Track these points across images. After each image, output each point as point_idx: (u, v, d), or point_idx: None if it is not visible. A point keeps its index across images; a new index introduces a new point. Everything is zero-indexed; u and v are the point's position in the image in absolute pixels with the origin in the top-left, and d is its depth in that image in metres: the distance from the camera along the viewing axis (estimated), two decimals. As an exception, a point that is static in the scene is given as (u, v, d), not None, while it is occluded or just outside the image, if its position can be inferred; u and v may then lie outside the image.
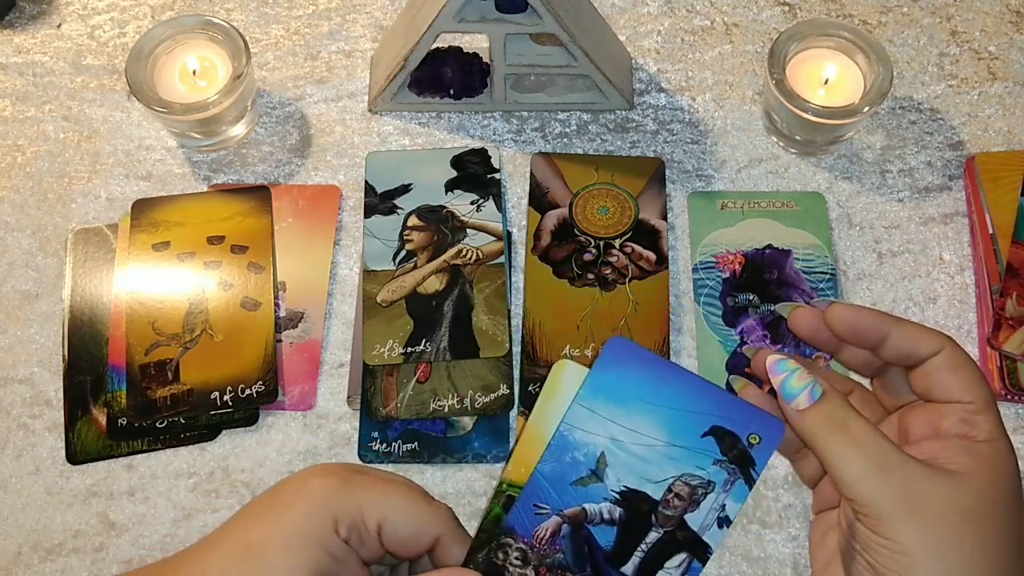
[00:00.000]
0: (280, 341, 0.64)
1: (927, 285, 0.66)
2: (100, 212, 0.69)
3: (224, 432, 0.62)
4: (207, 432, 0.61)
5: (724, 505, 0.41)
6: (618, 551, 0.42)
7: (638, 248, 0.66)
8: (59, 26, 0.76)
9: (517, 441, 0.43)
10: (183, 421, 0.61)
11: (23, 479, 0.61)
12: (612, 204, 0.68)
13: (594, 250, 0.66)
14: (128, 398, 0.61)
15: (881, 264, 0.66)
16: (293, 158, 0.70)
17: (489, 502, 0.43)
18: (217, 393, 0.61)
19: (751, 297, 0.65)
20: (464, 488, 0.60)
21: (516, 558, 0.42)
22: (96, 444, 0.61)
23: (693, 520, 0.41)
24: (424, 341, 0.62)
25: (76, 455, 0.61)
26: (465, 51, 0.71)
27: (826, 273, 0.65)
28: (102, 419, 0.62)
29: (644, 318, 0.64)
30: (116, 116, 0.72)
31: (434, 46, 0.67)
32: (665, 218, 0.67)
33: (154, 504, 0.60)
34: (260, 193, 0.68)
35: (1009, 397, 0.61)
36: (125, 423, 0.61)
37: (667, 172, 0.69)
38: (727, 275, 0.65)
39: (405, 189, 0.68)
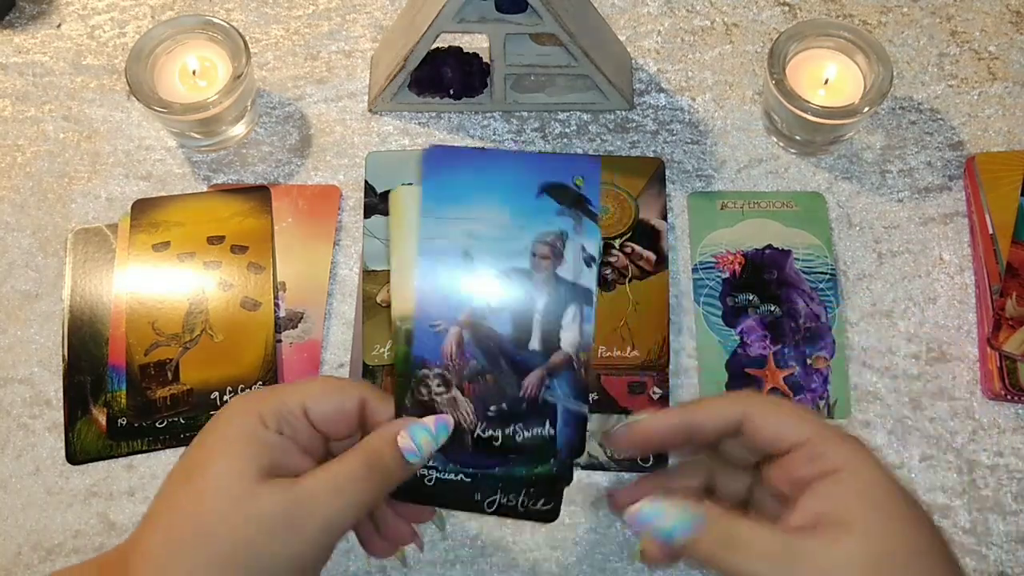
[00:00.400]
0: (280, 341, 0.64)
1: (927, 285, 0.66)
2: (100, 212, 0.69)
3: (224, 432, 0.62)
4: (207, 432, 0.61)
5: (583, 246, 0.44)
6: (517, 332, 0.44)
7: (638, 248, 0.66)
8: (59, 26, 0.76)
9: (390, 278, 0.45)
10: (183, 421, 0.61)
11: (23, 479, 0.61)
12: (612, 204, 0.68)
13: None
14: (128, 398, 0.61)
15: (881, 264, 0.66)
16: (293, 158, 0.70)
17: (392, 347, 0.44)
18: (217, 393, 0.61)
19: (751, 297, 0.65)
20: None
21: (438, 385, 0.44)
22: (96, 444, 0.61)
23: (565, 272, 0.44)
24: (424, 341, 0.62)
25: (76, 455, 0.61)
26: (465, 51, 0.71)
27: (826, 273, 0.65)
28: (102, 419, 0.62)
29: (644, 318, 0.64)
30: (116, 116, 0.72)
31: (434, 46, 0.67)
32: (665, 218, 0.67)
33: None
34: (260, 193, 0.68)
35: (1009, 397, 0.61)
36: (125, 423, 0.61)
37: (667, 172, 0.69)
38: (727, 275, 0.65)
39: (405, 189, 0.68)
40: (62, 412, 0.62)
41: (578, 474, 0.60)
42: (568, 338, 0.44)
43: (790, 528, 0.40)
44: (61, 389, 0.63)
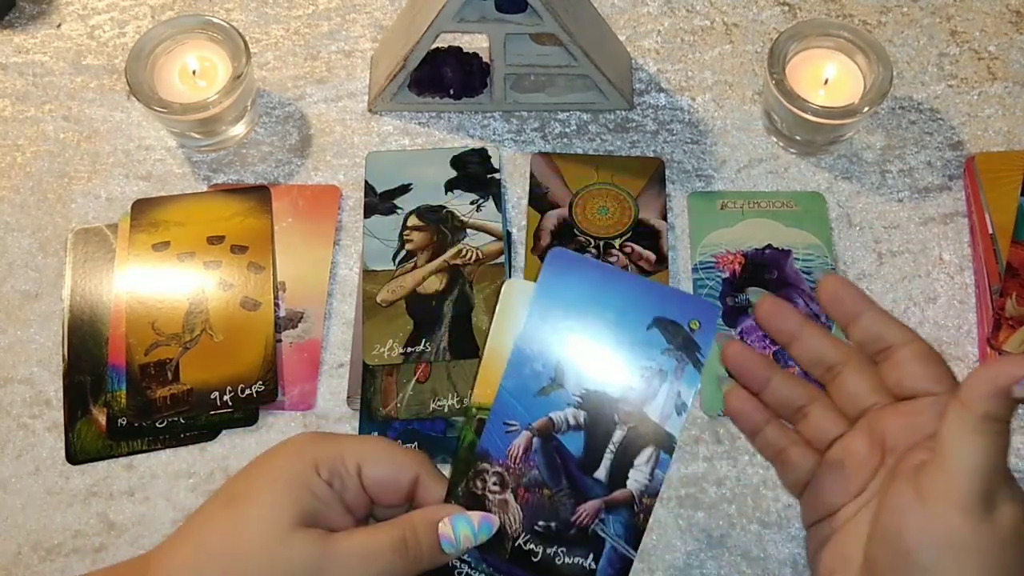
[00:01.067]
0: (280, 341, 0.64)
1: (927, 285, 0.66)
2: (100, 212, 0.69)
3: (224, 432, 0.62)
4: (207, 432, 0.61)
5: (679, 392, 0.43)
6: (588, 456, 0.43)
7: (638, 248, 0.66)
8: (59, 26, 0.76)
9: (479, 365, 0.45)
10: (183, 421, 0.61)
11: (23, 479, 0.61)
12: (612, 204, 0.68)
13: (594, 250, 0.66)
14: (128, 398, 0.61)
15: (881, 264, 0.66)
16: (293, 158, 0.70)
17: (460, 431, 0.44)
18: (217, 393, 0.61)
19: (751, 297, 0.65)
20: None
21: (494, 483, 0.43)
22: (96, 444, 0.61)
23: (653, 411, 0.43)
24: (424, 341, 0.62)
25: (76, 455, 0.61)
26: (465, 51, 0.71)
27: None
28: (102, 419, 0.62)
29: (644, 318, 0.64)
30: (116, 116, 0.72)
31: (434, 46, 0.67)
32: (665, 218, 0.67)
33: (154, 504, 0.60)
34: (260, 193, 0.68)
35: (1009, 397, 0.61)
36: (125, 423, 0.61)
37: (667, 172, 0.69)
38: (727, 275, 0.65)
39: (405, 189, 0.68)
40: (62, 412, 0.62)
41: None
42: (636, 479, 0.43)
43: None
44: (61, 389, 0.63)
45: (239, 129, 0.70)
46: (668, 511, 0.59)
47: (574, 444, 0.43)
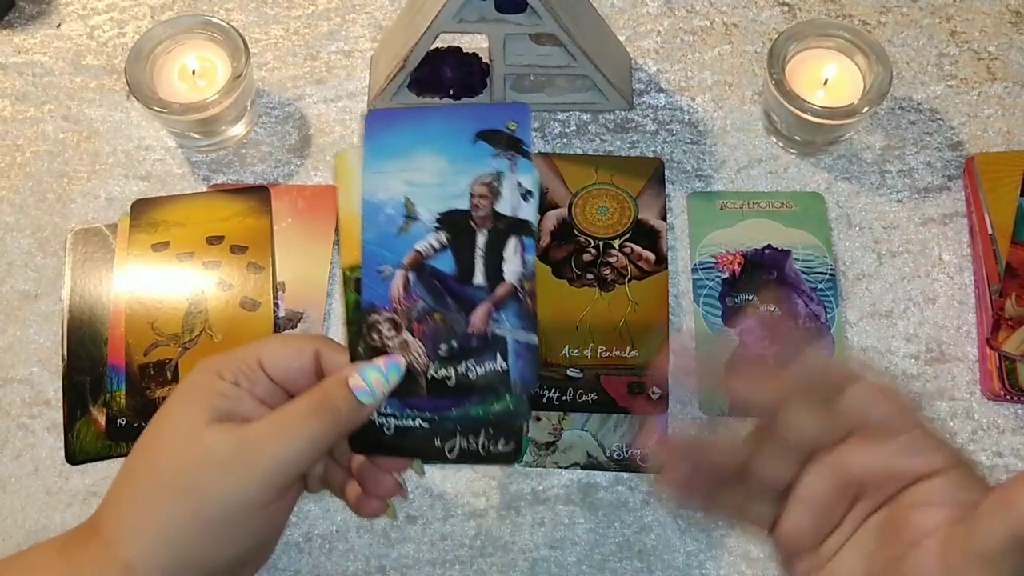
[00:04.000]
0: (279, 341, 0.64)
1: (927, 285, 0.66)
2: (99, 212, 0.68)
3: (223, 432, 0.62)
4: (206, 432, 0.61)
5: (519, 182, 0.46)
6: (461, 268, 0.45)
7: (637, 248, 0.66)
8: (59, 26, 0.76)
9: (337, 234, 0.47)
10: (182, 421, 0.61)
11: (23, 479, 0.61)
12: (611, 204, 0.68)
13: (593, 250, 0.66)
14: (127, 398, 0.61)
15: (880, 264, 0.66)
16: (293, 158, 0.70)
17: (342, 297, 0.46)
18: (216, 393, 0.61)
19: (750, 297, 0.65)
20: (464, 488, 0.60)
21: (388, 329, 0.45)
22: (95, 444, 0.61)
23: (503, 207, 0.46)
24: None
25: (75, 455, 0.61)
26: (465, 51, 0.71)
27: (825, 273, 0.65)
28: (101, 419, 0.62)
29: (643, 318, 0.64)
30: (116, 116, 0.72)
31: (434, 46, 0.67)
32: (664, 218, 0.67)
33: (153, 504, 0.60)
34: (259, 193, 0.68)
35: (1008, 397, 0.61)
36: (124, 423, 0.61)
37: (666, 172, 0.69)
38: (726, 275, 0.65)
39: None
40: (61, 412, 0.62)
41: (577, 474, 0.60)
42: (511, 269, 0.45)
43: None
44: (60, 389, 0.63)
45: (239, 129, 0.70)
46: (668, 511, 0.59)
47: (446, 263, 0.45)
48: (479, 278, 0.45)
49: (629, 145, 0.70)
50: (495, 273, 0.45)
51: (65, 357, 0.64)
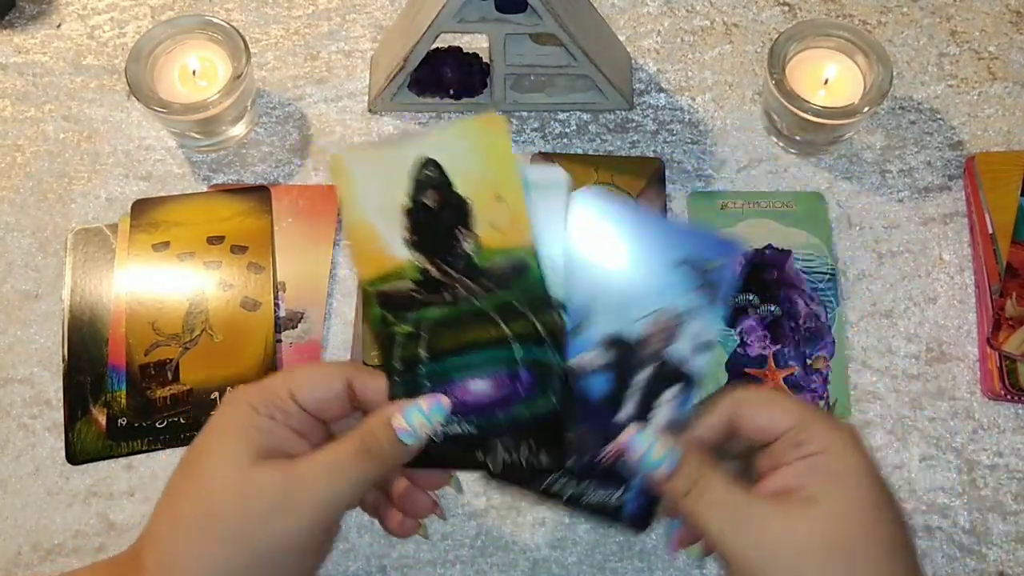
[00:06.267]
0: (280, 341, 0.64)
1: (927, 285, 0.66)
2: (100, 212, 0.69)
3: (224, 432, 0.62)
4: (207, 432, 0.61)
5: (702, 331, 0.44)
6: (613, 398, 0.44)
7: (638, 248, 0.66)
8: (59, 26, 0.76)
9: (338, 234, 0.45)
10: (183, 421, 0.61)
11: (23, 479, 0.61)
12: (612, 204, 0.68)
13: (594, 250, 0.66)
14: (128, 398, 0.61)
15: (881, 264, 0.66)
16: (293, 158, 0.70)
17: (362, 310, 0.44)
18: (217, 393, 0.61)
19: (751, 297, 0.65)
20: (464, 488, 0.60)
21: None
22: (96, 444, 0.61)
23: (674, 352, 0.44)
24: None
25: (76, 455, 0.61)
26: (465, 51, 0.71)
27: (826, 273, 0.65)
28: (102, 419, 0.62)
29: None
30: (116, 116, 0.72)
31: (434, 46, 0.67)
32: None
33: (154, 504, 0.60)
34: (260, 193, 0.68)
35: (1009, 397, 0.61)
36: (125, 423, 0.61)
37: (667, 172, 0.69)
38: (727, 275, 0.65)
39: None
40: (62, 412, 0.62)
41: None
42: (663, 415, 0.44)
43: (757, 492, 0.41)
44: (61, 389, 0.63)
45: (239, 129, 0.70)
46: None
47: (599, 385, 0.44)
48: (627, 412, 0.44)
49: (629, 145, 0.70)
50: (644, 413, 0.44)
51: (66, 357, 0.64)
